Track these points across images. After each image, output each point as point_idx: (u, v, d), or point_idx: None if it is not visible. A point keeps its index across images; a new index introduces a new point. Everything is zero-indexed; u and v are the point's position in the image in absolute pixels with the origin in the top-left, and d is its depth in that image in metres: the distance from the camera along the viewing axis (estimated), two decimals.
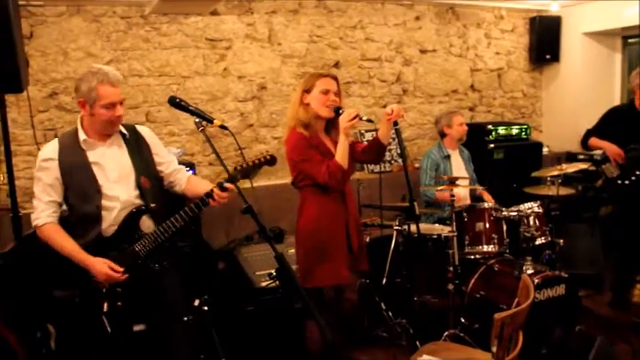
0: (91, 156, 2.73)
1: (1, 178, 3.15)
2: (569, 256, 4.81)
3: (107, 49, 4.76)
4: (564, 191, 4.53)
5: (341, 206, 3.17)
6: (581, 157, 6.03)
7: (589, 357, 2.84)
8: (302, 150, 3.06)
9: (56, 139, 2.77)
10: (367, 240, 4.27)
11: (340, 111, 3.06)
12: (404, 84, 6.10)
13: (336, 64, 5.70)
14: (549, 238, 4.22)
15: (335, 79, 3.18)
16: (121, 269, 2.68)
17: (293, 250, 3.33)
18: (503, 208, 4.20)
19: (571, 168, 4.52)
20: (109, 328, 2.69)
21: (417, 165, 5.16)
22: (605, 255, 5.06)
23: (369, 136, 5.63)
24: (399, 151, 5.88)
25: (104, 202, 2.71)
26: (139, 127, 2.89)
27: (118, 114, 2.69)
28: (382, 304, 4.20)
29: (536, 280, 3.60)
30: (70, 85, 4.59)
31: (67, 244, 2.67)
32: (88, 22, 4.68)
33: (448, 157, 4.92)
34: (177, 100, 2.66)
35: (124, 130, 2.80)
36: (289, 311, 3.54)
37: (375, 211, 4.58)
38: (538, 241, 4.16)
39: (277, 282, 3.64)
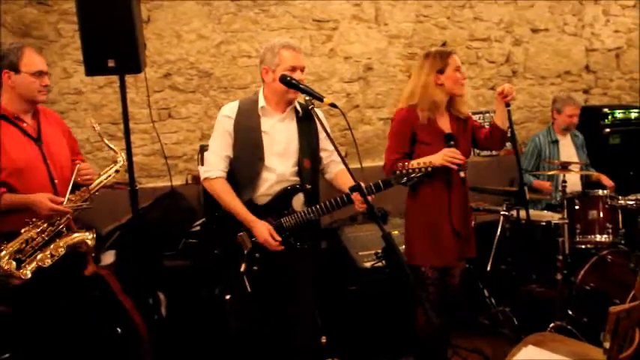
0: (264, 124, 2.86)
1: (123, 158, 3.20)
2: None
3: (218, 31, 4.89)
4: None
5: (444, 189, 3.12)
6: None
7: None
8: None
9: (237, 101, 2.98)
10: (472, 225, 4.20)
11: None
12: (513, 65, 5.86)
13: (443, 45, 5.57)
14: None
15: None
16: (279, 238, 2.78)
17: (397, 232, 3.33)
18: (620, 197, 3.99)
19: None
20: (249, 288, 2.80)
21: (525, 149, 4.97)
22: None
23: (476, 118, 5.47)
24: (508, 134, 5.69)
25: (263, 172, 2.84)
26: (315, 110, 2.86)
27: (299, 78, 2.77)
28: (485, 291, 4.12)
29: None
30: (183, 66, 4.77)
31: (234, 202, 2.83)
32: (200, 5, 4.83)
33: (556, 142, 4.71)
34: (289, 78, 2.72)
35: (298, 108, 2.90)
36: (393, 292, 3.55)
37: (480, 195, 4.47)
38: None
39: (383, 262, 3.65)
